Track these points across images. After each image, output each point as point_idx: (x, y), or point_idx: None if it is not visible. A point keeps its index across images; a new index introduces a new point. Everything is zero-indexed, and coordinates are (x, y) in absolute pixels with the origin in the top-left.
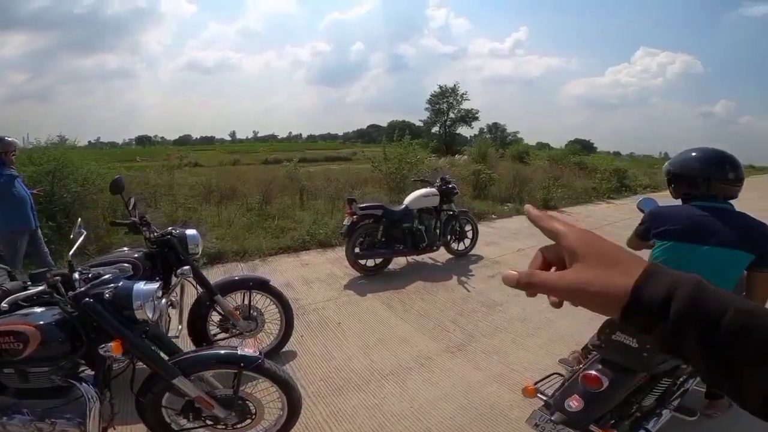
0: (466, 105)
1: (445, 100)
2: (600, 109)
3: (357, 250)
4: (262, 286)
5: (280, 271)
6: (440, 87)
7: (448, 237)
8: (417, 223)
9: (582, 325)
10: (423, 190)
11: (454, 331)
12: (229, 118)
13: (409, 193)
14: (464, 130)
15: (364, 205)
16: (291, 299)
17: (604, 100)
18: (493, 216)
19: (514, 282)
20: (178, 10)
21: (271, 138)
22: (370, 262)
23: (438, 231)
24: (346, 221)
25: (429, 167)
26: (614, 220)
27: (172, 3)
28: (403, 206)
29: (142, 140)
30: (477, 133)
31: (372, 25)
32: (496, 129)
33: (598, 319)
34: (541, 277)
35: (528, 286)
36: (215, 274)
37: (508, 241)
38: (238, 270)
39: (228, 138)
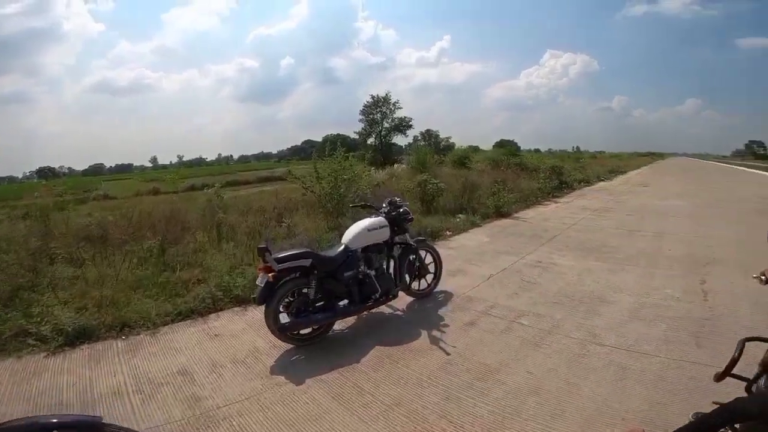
0: (399, 113)
1: (378, 110)
2: (519, 111)
3: (283, 318)
4: None
5: (175, 349)
6: (372, 97)
7: (407, 277)
8: (364, 267)
9: (613, 383)
10: (367, 221)
11: None
12: (148, 143)
13: (350, 221)
14: (399, 139)
15: (285, 254)
16: (189, 397)
17: (521, 101)
18: (448, 232)
19: None
20: (83, 30)
21: (199, 161)
22: (306, 329)
23: (393, 272)
24: (260, 280)
25: (369, 183)
26: (571, 222)
27: (76, 21)
28: (342, 247)
29: (44, 172)
30: (411, 141)
31: (300, 39)
32: (429, 135)
33: (629, 377)
34: None
35: None
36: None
37: (473, 265)
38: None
39: (149, 164)
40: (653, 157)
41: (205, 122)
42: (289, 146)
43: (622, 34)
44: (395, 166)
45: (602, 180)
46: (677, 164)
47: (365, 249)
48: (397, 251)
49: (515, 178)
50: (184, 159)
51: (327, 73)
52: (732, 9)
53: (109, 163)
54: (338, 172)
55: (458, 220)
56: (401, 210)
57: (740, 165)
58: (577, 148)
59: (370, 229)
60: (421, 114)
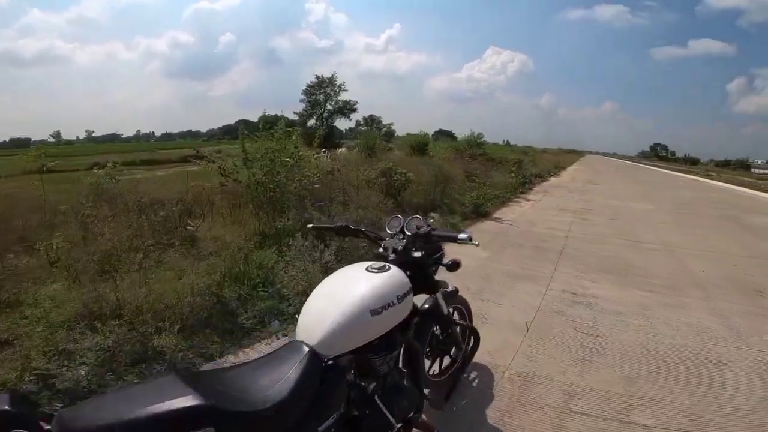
0: (344, 96)
1: (322, 90)
2: (459, 102)
3: None
4: None
5: None
6: (317, 77)
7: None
8: (355, 393)
9: None
10: (364, 288)
11: None
12: (53, 117)
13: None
14: (341, 124)
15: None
16: None
17: (462, 93)
18: None
19: None
20: None
21: (113, 137)
22: None
23: (412, 370)
24: None
25: (320, 170)
26: (564, 228)
27: None
28: (299, 355)
29: None
30: (353, 125)
31: (245, 16)
32: (372, 121)
33: None
34: None
35: None
36: None
37: (490, 302)
38: None
39: (51, 139)
40: (576, 154)
41: (128, 97)
42: (222, 125)
43: (558, 36)
44: (339, 150)
45: (552, 175)
46: (600, 162)
47: (360, 349)
48: (412, 328)
49: (485, 171)
50: (95, 134)
51: (270, 54)
52: (658, 19)
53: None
54: (277, 153)
55: (432, 220)
56: (431, 239)
57: (651, 165)
58: (507, 142)
59: (375, 311)
60: (365, 100)
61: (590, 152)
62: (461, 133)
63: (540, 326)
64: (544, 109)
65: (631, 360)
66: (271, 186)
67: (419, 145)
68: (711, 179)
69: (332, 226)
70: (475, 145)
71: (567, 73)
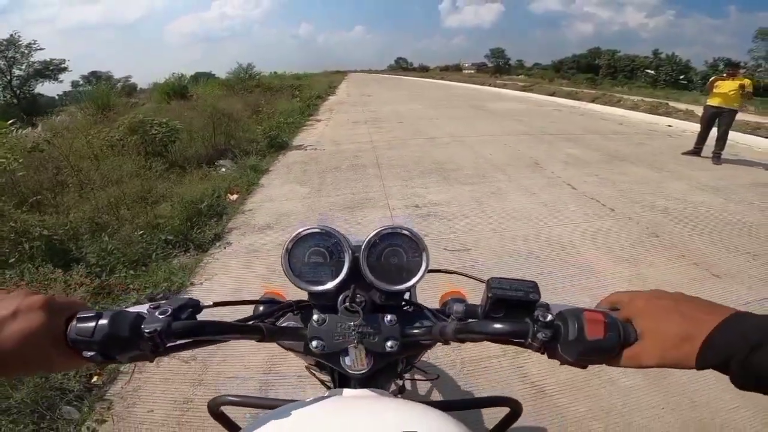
0: (40, 56)
1: (1, 55)
2: (215, 42)
3: None
4: None
5: None
6: None
7: None
8: None
9: None
10: None
11: None
12: None
13: None
14: (50, 89)
15: None
16: None
17: (215, 33)
18: (232, 197)
19: None
20: None
21: None
22: None
23: None
24: None
25: (21, 147)
26: (367, 140)
27: None
28: None
29: None
30: (71, 88)
31: None
32: (98, 78)
33: None
34: None
35: None
36: None
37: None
38: None
39: None
40: (341, 74)
41: None
42: None
43: None
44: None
45: (330, 95)
46: (362, 77)
47: None
48: None
49: (269, 101)
50: None
51: None
52: None
53: None
54: None
55: (223, 170)
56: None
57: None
58: (275, 73)
59: None
60: (83, 57)
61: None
62: (224, 73)
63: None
64: (303, 37)
65: (507, 252)
66: None
67: (176, 91)
68: (443, 80)
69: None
70: (247, 78)
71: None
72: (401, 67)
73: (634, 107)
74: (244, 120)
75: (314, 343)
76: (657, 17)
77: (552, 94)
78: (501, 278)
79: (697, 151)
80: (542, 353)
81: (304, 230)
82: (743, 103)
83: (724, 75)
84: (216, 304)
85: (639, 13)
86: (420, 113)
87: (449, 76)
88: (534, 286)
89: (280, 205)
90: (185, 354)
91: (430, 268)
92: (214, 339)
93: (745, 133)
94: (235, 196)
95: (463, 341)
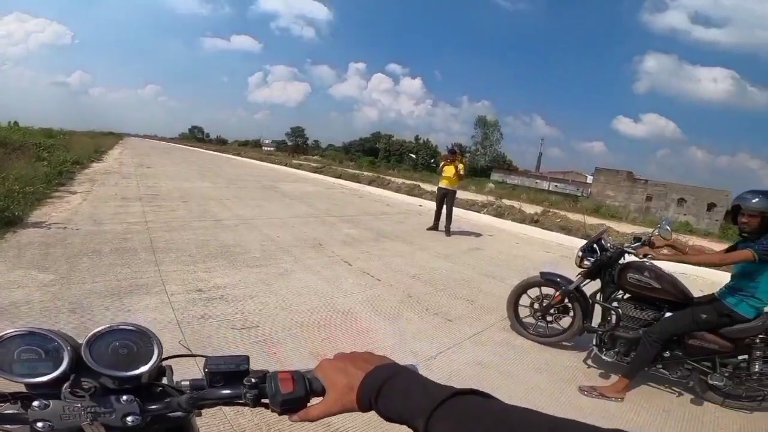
0: None
1: None
2: None
3: None
4: None
5: None
6: None
7: None
8: None
9: None
10: None
11: None
12: None
13: None
14: None
15: None
16: None
17: None
18: None
19: None
20: None
21: None
22: None
23: None
24: None
25: None
26: (139, 220)
27: None
28: None
29: None
30: None
31: None
32: None
33: None
34: None
35: None
36: None
37: None
38: None
39: None
40: (115, 137)
41: None
42: None
43: (111, 10)
44: None
45: (95, 161)
46: (144, 144)
47: None
48: None
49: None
50: None
51: None
52: (219, 11)
53: None
54: None
55: None
56: None
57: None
58: (16, 123)
59: None
60: None
61: (129, 135)
62: None
63: (200, 343)
64: (71, 87)
65: (294, 325)
66: None
67: None
68: (240, 156)
69: None
70: None
71: (112, 51)
72: (195, 137)
73: (398, 189)
74: (21, 167)
75: (40, 425)
76: (420, 105)
77: (339, 177)
78: (218, 356)
79: (435, 227)
80: (264, 407)
81: (5, 335)
82: (459, 183)
83: (448, 159)
84: None
85: (410, 101)
86: (209, 192)
87: (248, 153)
88: (246, 359)
89: (5, 295)
90: None
91: (169, 355)
92: None
93: (465, 209)
94: None
95: (200, 407)
